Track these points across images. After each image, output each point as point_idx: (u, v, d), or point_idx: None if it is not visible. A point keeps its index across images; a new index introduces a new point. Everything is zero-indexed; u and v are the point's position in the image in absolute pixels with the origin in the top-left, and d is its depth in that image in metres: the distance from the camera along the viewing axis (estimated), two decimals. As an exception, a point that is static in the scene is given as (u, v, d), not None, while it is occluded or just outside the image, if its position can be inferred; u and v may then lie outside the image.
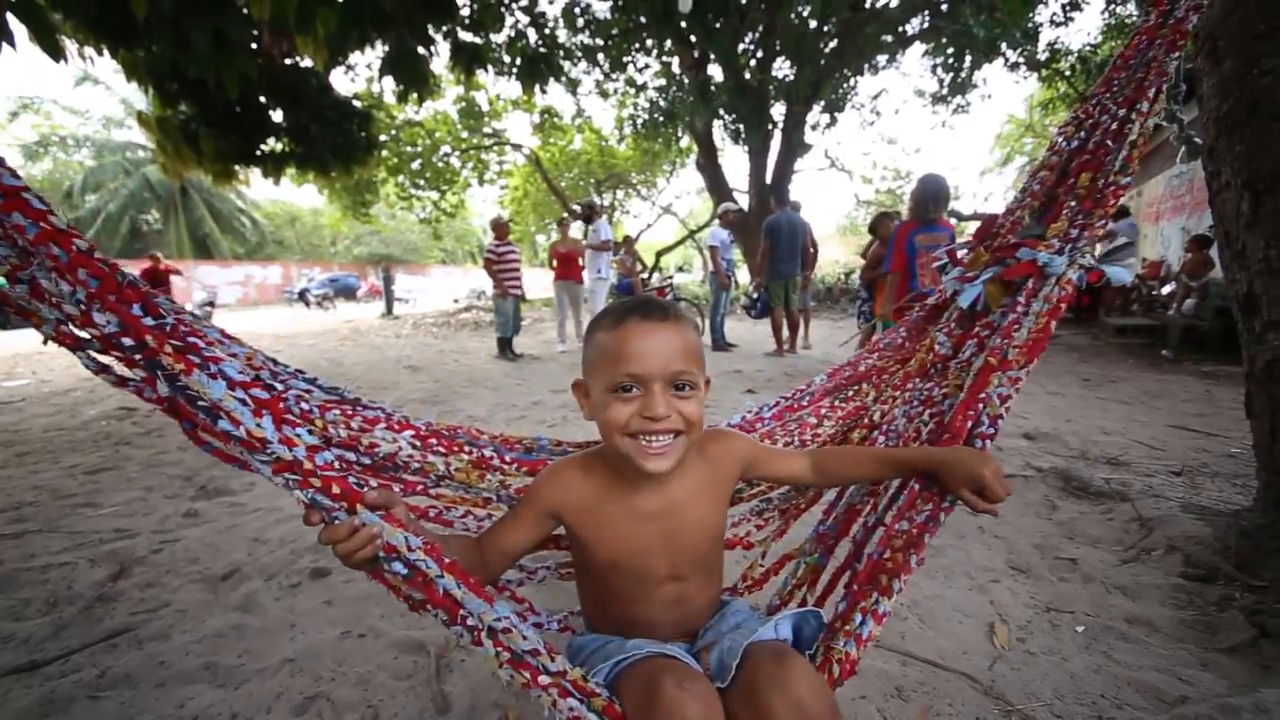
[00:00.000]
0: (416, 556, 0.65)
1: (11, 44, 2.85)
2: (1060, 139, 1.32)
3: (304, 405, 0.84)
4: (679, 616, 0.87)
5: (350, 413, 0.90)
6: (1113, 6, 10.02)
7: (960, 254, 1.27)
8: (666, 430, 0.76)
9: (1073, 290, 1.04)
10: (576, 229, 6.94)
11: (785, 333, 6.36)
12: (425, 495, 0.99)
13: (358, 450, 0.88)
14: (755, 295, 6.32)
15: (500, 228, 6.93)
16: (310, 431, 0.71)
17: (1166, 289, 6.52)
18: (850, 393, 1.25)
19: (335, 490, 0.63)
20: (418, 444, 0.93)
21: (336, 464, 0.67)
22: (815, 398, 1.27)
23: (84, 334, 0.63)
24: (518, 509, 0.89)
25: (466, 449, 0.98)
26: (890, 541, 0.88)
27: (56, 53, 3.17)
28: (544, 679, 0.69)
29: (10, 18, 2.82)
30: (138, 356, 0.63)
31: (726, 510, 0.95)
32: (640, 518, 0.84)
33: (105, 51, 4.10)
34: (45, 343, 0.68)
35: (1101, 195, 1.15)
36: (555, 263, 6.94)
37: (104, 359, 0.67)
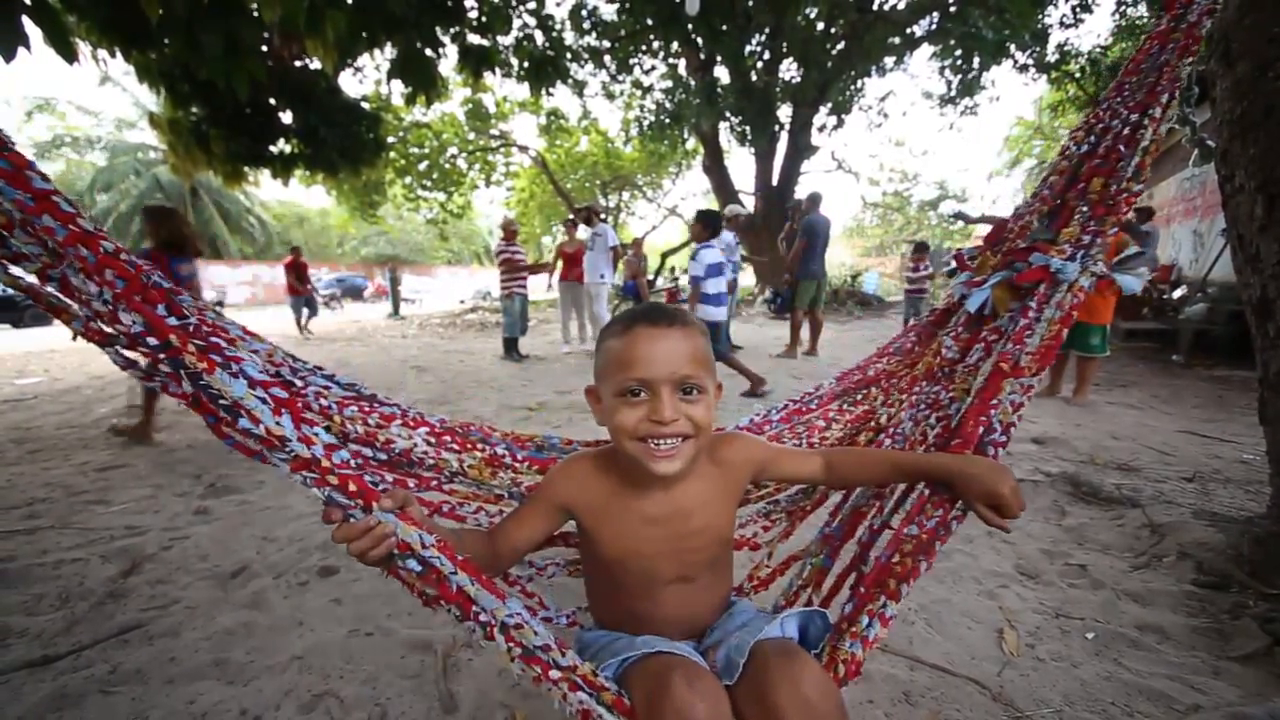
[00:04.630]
0: (430, 554, 0.67)
1: (27, 47, 2.89)
2: (1071, 144, 1.30)
3: (322, 402, 0.86)
4: (686, 615, 0.88)
5: (367, 409, 0.93)
6: (1123, 8, 9.95)
7: (968, 258, 1.26)
8: (674, 434, 0.77)
9: (1084, 297, 1.02)
10: (584, 231, 6.96)
11: (804, 334, 6.37)
12: (439, 491, 1.00)
13: (374, 446, 0.90)
14: (779, 292, 6.30)
15: (510, 230, 7.01)
16: (328, 429, 0.73)
17: (1177, 293, 6.44)
18: (859, 396, 1.25)
19: (351, 488, 0.64)
20: (432, 441, 0.96)
21: (353, 462, 0.68)
22: (824, 401, 1.27)
23: (111, 330, 0.66)
24: (530, 502, 0.90)
25: (479, 447, 1.00)
26: (899, 546, 0.86)
27: (70, 55, 3.21)
28: (554, 673, 0.70)
29: (26, 20, 2.86)
30: (162, 355, 0.65)
31: (735, 513, 0.95)
32: (648, 521, 0.84)
33: (118, 54, 4.14)
34: (75, 338, 0.71)
35: (1114, 201, 1.12)
36: (561, 263, 6.98)
37: (131, 354, 0.69)
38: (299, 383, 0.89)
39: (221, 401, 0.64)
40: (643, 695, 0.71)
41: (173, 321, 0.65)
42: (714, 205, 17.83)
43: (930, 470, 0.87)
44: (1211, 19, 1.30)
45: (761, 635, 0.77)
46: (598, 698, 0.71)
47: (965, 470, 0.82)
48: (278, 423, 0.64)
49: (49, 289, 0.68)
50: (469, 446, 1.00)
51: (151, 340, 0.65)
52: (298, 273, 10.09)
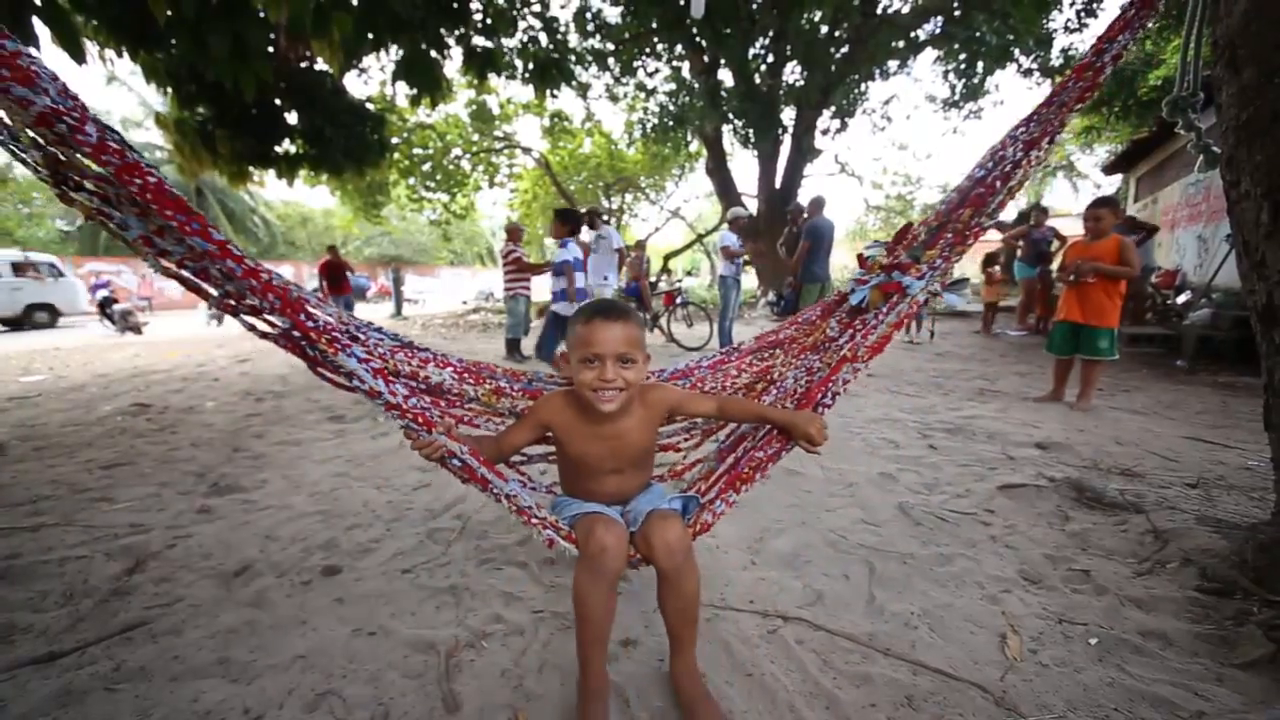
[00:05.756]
0: (466, 456, 1.12)
1: (36, 46, 2.91)
2: (977, 166, 1.42)
3: (380, 350, 1.20)
4: (616, 491, 1.33)
5: (410, 355, 1.31)
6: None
7: (867, 257, 1.53)
8: (613, 388, 1.19)
9: (918, 308, 1.36)
10: (587, 234, 6.97)
11: None
12: (461, 408, 1.40)
13: (417, 380, 1.28)
14: (784, 293, 6.28)
15: (515, 232, 7.06)
16: (402, 385, 1.12)
17: (1182, 298, 6.43)
18: (767, 355, 1.60)
19: (420, 421, 1.06)
20: (455, 377, 1.35)
21: (417, 402, 1.08)
22: (741, 355, 1.62)
23: (236, 304, 1.06)
24: (523, 420, 1.36)
25: (488, 381, 1.41)
26: (750, 462, 1.29)
27: (79, 55, 3.23)
28: (534, 520, 1.17)
29: (35, 20, 2.89)
30: (303, 342, 1.04)
31: (656, 434, 1.42)
32: (598, 437, 1.28)
33: (126, 54, 4.17)
34: (211, 309, 1.11)
35: (968, 233, 1.36)
36: None
37: (250, 319, 1.09)
38: (361, 336, 1.21)
39: (341, 369, 1.03)
40: (581, 532, 1.18)
41: (310, 324, 1.00)
42: (717, 208, 17.84)
43: (775, 419, 1.32)
44: (1117, 63, 1.42)
45: (654, 506, 1.23)
46: (558, 532, 1.17)
47: (793, 420, 1.28)
48: (376, 383, 1.03)
49: (185, 274, 1.02)
50: (481, 380, 1.39)
51: (296, 334, 1.03)
52: (335, 273, 9.82)
